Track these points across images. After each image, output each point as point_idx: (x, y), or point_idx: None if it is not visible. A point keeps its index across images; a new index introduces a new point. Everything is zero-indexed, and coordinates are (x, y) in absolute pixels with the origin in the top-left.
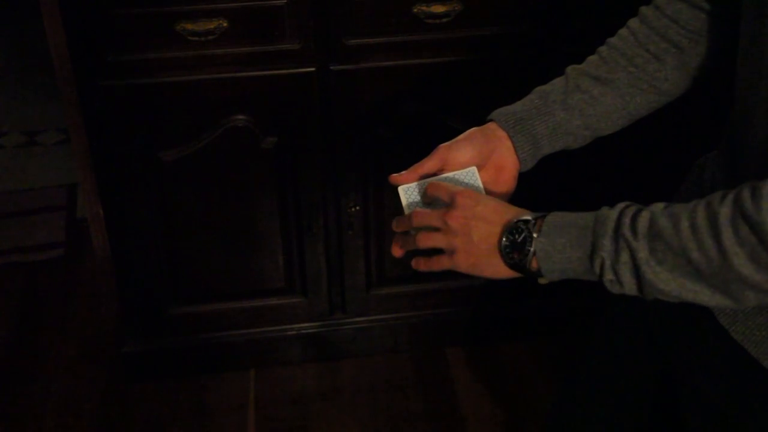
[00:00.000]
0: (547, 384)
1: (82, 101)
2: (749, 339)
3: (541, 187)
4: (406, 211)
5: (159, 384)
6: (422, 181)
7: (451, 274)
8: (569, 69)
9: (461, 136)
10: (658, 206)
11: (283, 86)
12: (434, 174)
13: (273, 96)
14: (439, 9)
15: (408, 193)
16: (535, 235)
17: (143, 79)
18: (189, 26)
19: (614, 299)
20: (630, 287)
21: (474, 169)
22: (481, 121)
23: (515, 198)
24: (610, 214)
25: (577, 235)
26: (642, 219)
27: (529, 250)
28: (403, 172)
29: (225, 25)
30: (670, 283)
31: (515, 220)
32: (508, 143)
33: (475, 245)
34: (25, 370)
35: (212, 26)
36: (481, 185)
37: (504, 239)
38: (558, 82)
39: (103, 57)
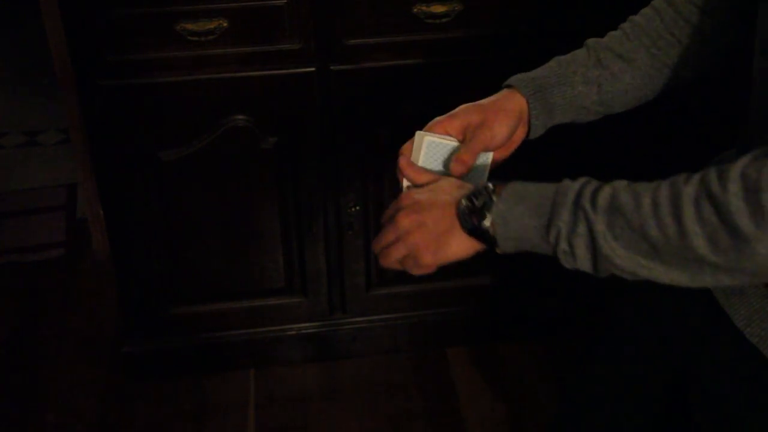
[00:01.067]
0: (547, 384)
1: (82, 101)
2: (765, 341)
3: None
4: (420, 162)
5: (159, 384)
6: (442, 138)
7: (451, 274)
8: (590, 41)
9: (500, 113)
10: (622, 182)
11: (283, 86)
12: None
13: (273, 96)
14: (439, 9)
15: (425, 142)
16: (494, 199)
17: (143, 79)
18: (189, 26)
19: (621, 300)
20: (583, 261)
21: (490, 154)
22: None
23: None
24: (572, 185)
25: (536, 204)
26: (603, 193)
27: (486, 214)
28: (460, 162)
29: (225, 25)
30: (625, 260)
31: (476, 186)
32: (525, 117)
33: (432, 230)
34: (25, 370)
35: (212, 26)
36: (487, 171)
37: (464, 202)
38: (579, 53)
39: (103, 57)
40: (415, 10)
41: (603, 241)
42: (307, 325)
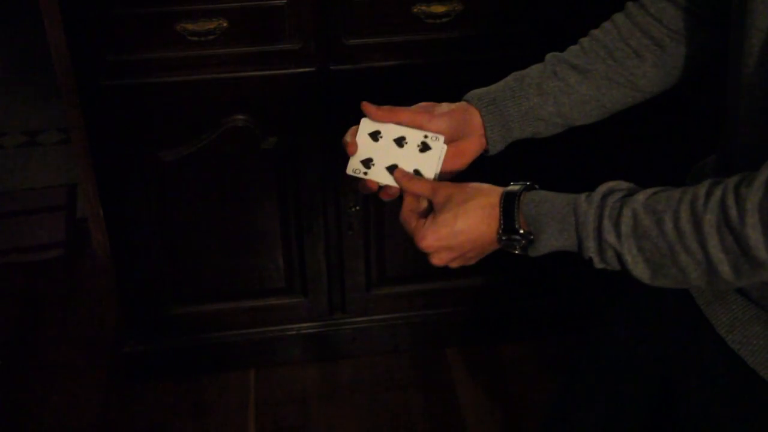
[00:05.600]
0: (547, 384)
1: (82, 101)
2: (746, 348)
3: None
4: (358, 139)
5: (159, 384)
6: (390, 126)
7: (452, 274)
8: (549, 56)
9: (444, 111)
10: (639, 199)
11: (283, 86)
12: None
13: (273, 96)
14: (439, 9)
15: (370, 129)
16: (526, 235)
17: (143, 79)
18: (189, 26)
19: (613, 303)
20: (618, 270)
21: (445, 147)
22: None
23: None
24: (589, 211)
25: (558, 229)
26: (624, 217)
27: (527, 250)
28: (380, 107)
29: (225, 25)
30: (657, 278)
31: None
32: (480, 131)
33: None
34: (25, 370)
35: (212, 26)
36: (440, 163)
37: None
38: (536, 67)
39: (103, 57)
40: (415, 10)
41: (633, 266)
42: (307, 325)
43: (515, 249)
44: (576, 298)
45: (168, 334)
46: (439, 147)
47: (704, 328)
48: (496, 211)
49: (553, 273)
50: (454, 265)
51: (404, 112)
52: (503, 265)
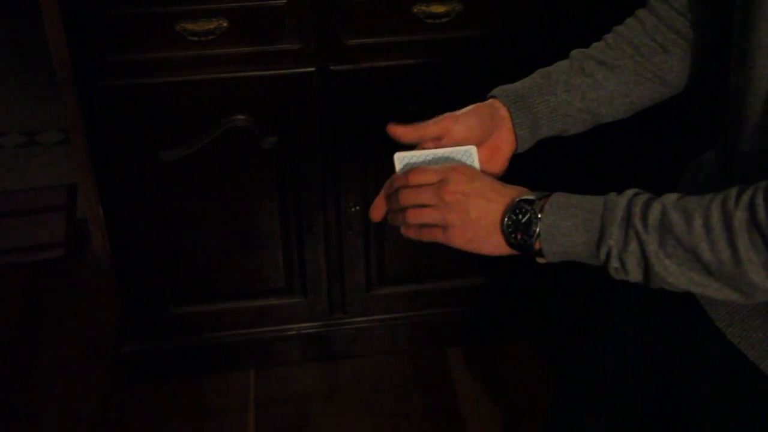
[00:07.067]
0: (547, 384)
1: (82, 101)
2: (746, 341)
3: (536, 184)
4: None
5: (159, 384)
6: (419, 152)
7: (451, 274)
8: (574, 52)
9: (467, 110)
10: (670, 198)
11: (283, 86)
12: (434, 140)
13: (273, 96)
14: (439, 9)
15: (404, 161)
16: (540, 215)
17: (143, 79)
18: (189, 26)
19: (612, 301)
20: (635, 276)
21: (473, 148)
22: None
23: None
24: (619, 201)
25: (583, 219)
26: (653, 210)
27: (534, 231)
28: (407, 126)
29: (225, 25)
30: (679, 277)
31: (518, 199)
32: (509, 124)
33: (473, 221)
34: (25, 370)
35: (212, 26)
36: (478, 165)
37: (506, 219)
38: (562, 63)
39: (103, 57)
40: (415, 10)
41: (655, 260)
42: (307, 325)
43: (519, 230)
44: (576, 298)
45: (168, 334)
46: (470, 156)
47: (704, 322)
48: (525, 190)
49: (553, 273)
50: (448, 194)
51: (429, 126)
52: (504, 264)
